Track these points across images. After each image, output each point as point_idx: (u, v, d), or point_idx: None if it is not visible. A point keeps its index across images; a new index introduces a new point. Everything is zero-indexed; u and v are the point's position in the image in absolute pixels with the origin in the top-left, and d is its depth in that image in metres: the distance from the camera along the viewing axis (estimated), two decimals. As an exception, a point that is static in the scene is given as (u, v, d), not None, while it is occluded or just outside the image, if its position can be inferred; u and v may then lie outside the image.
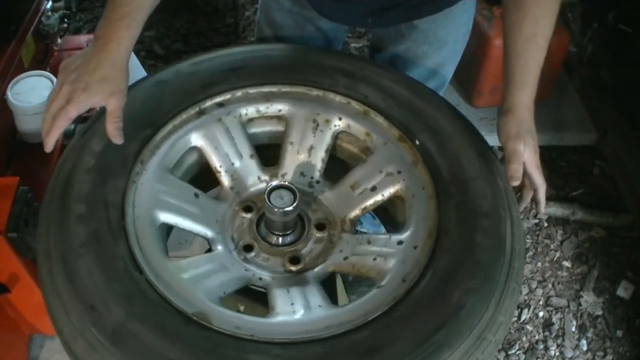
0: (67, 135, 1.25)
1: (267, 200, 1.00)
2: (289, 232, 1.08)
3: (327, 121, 1.14)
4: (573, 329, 1.90)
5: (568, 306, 1.96)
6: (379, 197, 1.08)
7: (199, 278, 0.98)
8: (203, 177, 1.15)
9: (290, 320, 0.92)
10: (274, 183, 1.03)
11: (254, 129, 1.18)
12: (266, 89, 1.16)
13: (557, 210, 2.15)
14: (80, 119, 1.06)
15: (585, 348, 1.86)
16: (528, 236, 2.12)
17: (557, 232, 2.14)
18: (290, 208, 1.00)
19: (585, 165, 2.35)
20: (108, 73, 0.98)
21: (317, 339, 0.85)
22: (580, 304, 1.96)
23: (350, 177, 1.11)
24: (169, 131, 1.10)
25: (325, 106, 1.15)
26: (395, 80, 1.18)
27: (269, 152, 1.18)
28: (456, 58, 1.42)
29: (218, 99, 1.14)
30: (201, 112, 1.13)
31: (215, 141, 1.12)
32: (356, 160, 1.16)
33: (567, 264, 2.06)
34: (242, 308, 1.09)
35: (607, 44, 2.37)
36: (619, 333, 1.89)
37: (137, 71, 1.96)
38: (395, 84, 1.16)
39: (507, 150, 1.04)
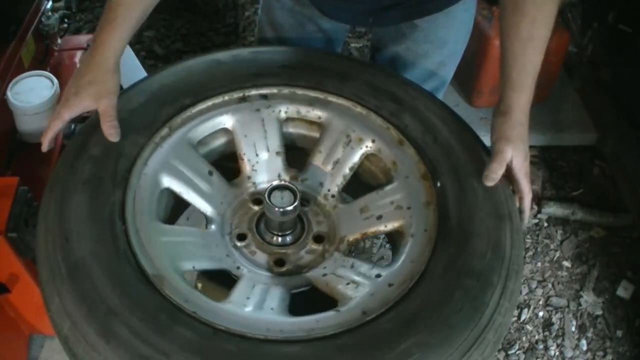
0: (67, 135, 1.25)
1: (267, 199, 1.00)
2: (286, 233, 1.08)
3: (360, 140, 1.14)
4: (573, 329, 1.90)
5: (568, 306, 1.96)
6: (381, 227, 1.07)
7: (175, 245, 1.00)
8: (223, 163, 1.17)
9: (235, 310, 0.92)
10: (275, 182, 1.03)
11: (289, 129, 1.20)
12: (313, 93, 1.17)
13: (557, 210, 2.15)
14: (80, 119, 1.08)
15: (585, 348, 1.86)
16: (528, 236, 2.12)
17: (557, 232, 2.14)
18: (290, 208, 1.00)
19: (585, 165, 2.35)
20: (95, 76, 1.03)
21: (234, 334, 0.84)
22: (580, 304, 1.96)
23: (362, 200, 1.11)
24: (207, 107, 1.14)
25: (364, 125, 1.14)
26: (442, 118, 1.14)
27: (295, 154, 1.19)
28: (457, 58, 1.42)
29: (263, 91, 1.17)
30: (243, 99, 1.16)
31: (247, 129, 1.15)
32: (375, 182, 1.15)
33: (567, 264, 2.06)
34: (199, 286, 1.09)
35: (607, 44, 2.37)
36: (619, 333, 1.89)
37: (137, 71, 1.96)
38: (441, 122, 1.13)
39: (493, 150, 1.04)
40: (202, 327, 0.84)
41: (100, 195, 0.98)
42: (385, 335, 0.85)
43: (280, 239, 1.08)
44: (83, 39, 2.09)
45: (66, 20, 2.06)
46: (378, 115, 1.13)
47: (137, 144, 1.06)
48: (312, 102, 1.17)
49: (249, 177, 1.15)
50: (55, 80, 1.65)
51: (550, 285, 2.00)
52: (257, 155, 1.15)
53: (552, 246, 2.11)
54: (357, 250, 1.62)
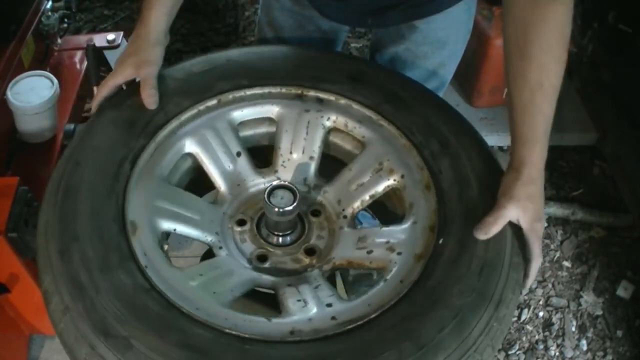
0: (67, 135, 1.26)
1: (266, 199, 1.00)
2: (281, 234, 1.07)
3: (391, 172, 1.08)
4: (573, 329, 1.90)
5: (568, 306, 1.96)
6: (366, 262, 1.02)
7: (167, 203, 1.04)
8: (257, 153, 1.18)
9: (182, 280, 0.94)
10: (276, 182, 1.03)
11: (330, 137, 1.17)
12: (368, 112, 1.14)
13: (557, 210, 2.15)
14: (81, 120, 1.09)
15: (585, 348, 1.86)
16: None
17: (557, 232, 2.14)
18: (288, 208, 1.00)
19: (585, 165, 2.35)
20: (138, 48, 1.10)
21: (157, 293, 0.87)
22: (580, 304, 1.96)
23: (365, 230, 1.08)
24: (262, 93, 1.16)
25: (401, 158, 1.08)
26: (478, 174, 1.04)
27: (328, 163, 1.18)
28: (456, 58, 1.42)
29: (321, 95, 1.16)
30: (299, 96, 1.16)
31: (291, 125, 1.15)
32: (390, 214, 1.13)
33: (567, 264, 2.06)
34: (166, 247, 1.06)
35: (607, 44, 2.37)
36: (619, 333, 1.89)
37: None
38: (475, 179, 1.03)
39: (495, 204, 0.95)
40: (139, 280, 0.88)
41: (125, 136, 1.04)
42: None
43: (274, 237, 1.07)
44: (83, 39, 2.09)
45: (66, 20, 2.06)
46: (419, 153, 1.07)
47: (180, 105, 1.11)
48: (362, 120, 1.13)
49: (275, 171, 1.15)
50: (55, 80, 1.65)
51: (550, 285, 2.00)
52: (290, 153, 1.15)
53: (552, 246, 2.11)
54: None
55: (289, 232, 1.07)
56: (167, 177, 1.08)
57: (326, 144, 1.17)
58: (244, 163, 1.14)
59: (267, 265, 1.05)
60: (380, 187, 1.09)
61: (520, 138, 0.96)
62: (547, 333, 1.89)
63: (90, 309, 0.83)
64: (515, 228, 0.96)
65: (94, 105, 1.12)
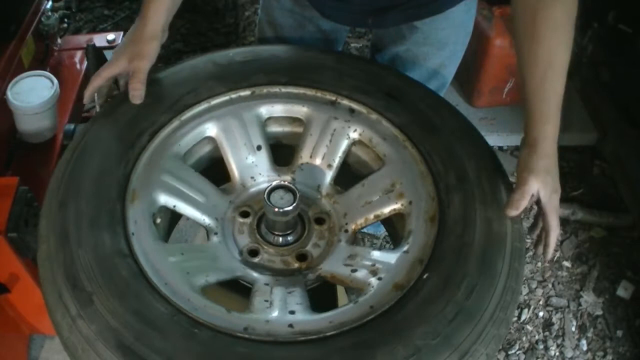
0: (67, 135, 1.26)
1: (266, 199, 1.00)
2: (286, 234, 1.07)
3: (400, 196, 1.06)
4: (573, 329, 1.90)
5: (568, 306, 1.96)
6: (348, 282, 1.01)
7: (173, 179, 1.06)
8: (277, 151, 1.19)
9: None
10: (275, 183, 1.03)
11: (353, 150, 1.15)
12: (396, 132, 1.10)
13: (557, 210, 2.15)
14: (80, 120, 1.09)
15: (585, 348, 1.86)
16: (528, 236, 2.12)
17: (557, 232, 2.14)
18: (289, 208, 1.00)
19: (585, 165, 2.35)
20: (134, 39, 1.10)
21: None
22: (580, 304, 1.96)
23: (356, 249, 1.06)
24: (296, 93, 1.16)
25: (414, 184, 1.06)
26: (486, 219, 1.00)
27: (346, 172, 1.17)
28: (457, 59, 1.42)
29: (354, 106, 1.14)
30: (332, 103, 1.15)
31: (317, 130, 1.14)
32: (389, 237, 1.13)
33: (567, 264, 2.06)
34: (158, 220, 1.07)
35: (607, 44, 2.37)
36: (619, 333, 1.89)
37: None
38: (482, 222, 0.99)
39: (517, 181, 0.99)
40: (121, 245, 0.93)
41: (151, 110, 1.09)
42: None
43: (271, 236, 1.08)
44: (83, 39, 2.09)
45: (66, 20, 2.06)
46: (434, 182, 1.03)
47: (213, 90, 1.14)
48: (387, 138, 1.11)
49: (292, 172, 1.16)
50: (55, 80, 1.65)
51: (550, 285, 2.00)
52: (310, 157, 1.15)
53: (552, 246, 2.10)
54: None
55: (286, 233, 1.07)
56: (184, 156, 1.10)
57: (347, 154, 1.15)
58: (263, 157, 1.15)
59: (255, 260, 1.05)
60: (387, 209, 1.07)
61: (533, 115, 1.01)
62: (547, 333, 1.89)
63: (68, 260, 0.89)
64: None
65: (86, 95, 1.11)
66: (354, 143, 1.14)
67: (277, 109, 1.16)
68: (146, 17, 1.11)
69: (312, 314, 0.92)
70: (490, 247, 0.94)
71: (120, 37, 1.97)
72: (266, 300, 0.94)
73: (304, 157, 1.15)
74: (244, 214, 1.11)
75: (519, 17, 1.01)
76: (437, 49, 1.35)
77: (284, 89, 1.16)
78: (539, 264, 2.06)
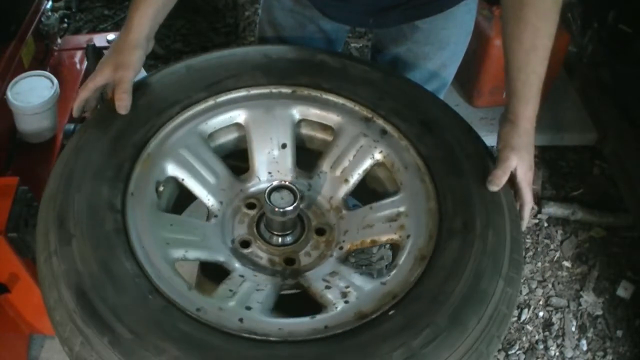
0: (67, 135, 1.26)
1: (266, 200, 1.00)
2: (285, 233, 1.08)
3: (401, 228, 1.04)
4: (573, 329, 1.90)
5: (568, 306, 1.96)
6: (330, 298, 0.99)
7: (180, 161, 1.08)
8: (303, 154, 1.19)
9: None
10: (275, 183, 1.03)
11: (374, 168, 1.14)
12: (420, 162, 1.08)
13: (557, 210, 2.15)
14: (80, 120, 1.10)
15: (585, 348, 1.86)
16: (528, 236, 2.12)
17: (557, 232, 2.14)
18: (289, 208, 1.00)
19: (585, 165, 2.35)
20: (118, 50, 1.10)
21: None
22: (580, 304, 1.96)
23: (336, 266, 1.04)
24: (332, 100, 1.15)
25: (418, 220, 1.03)
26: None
27: (363, 186, 1.16)
28: (458, 59, 1.42)
29: (388, 128, 1.12)
30: (367, 119, 1.13)
31: (345, 142, 1.13)
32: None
33: (567, 264, 2.06)
34: (161, 189, 1.08)
35: (607, 44, 2.37)
36: (619, 333, 1.89)
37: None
38: (471, 273, 0.96)
39: (498, 156, 1.04)
40: (115, 200, 0.97)
41: (183, 92, 1.12)
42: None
43: (267, 233, 1.08)
44: (83, 39, 2.09)
45: (66, 20, 2.06)
46: (439, 223, 0.99)
47: (255, 79, 1.15)
48: (409, 166, 1.08)
49: (310, 177, 1.14)
50: (55, 80, 1.65)
51: (550, 285, 2.00)
52: (331, 167, 1.14)
53: (552, 246, 2.11)
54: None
55: (282, 233, 1.07)
56: (208, 136, 1.13)
57: (367, 173, 1.13)
58: (286, 156, 1.15)
59: (244, 252, 1.06)
60: (384, 238, 1.05)
61: (515, 95, 1.05)
62: (547, 333, 1.89)
63: (64, 202, 0.94)
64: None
65: (75, 108, 1.11)
66: (377, 164, 1.12)
67: (311, 113, 1.16)
68: (130, 26, 1.10)
69: (267, 316, 0.91)
70: (470, 303, 0.89)
71: (120, 37, 1.97)
72: (231, 290, 0.95)
73: (325, 166, 1.14)
74: (250, 206, 1.11)
75: (507, 1, 1.04)
76: (438, 49, 1.35)
77: (324, 95, 1.16)
78: (539, 264, 2.06)
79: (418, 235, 1.00)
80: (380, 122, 1.13)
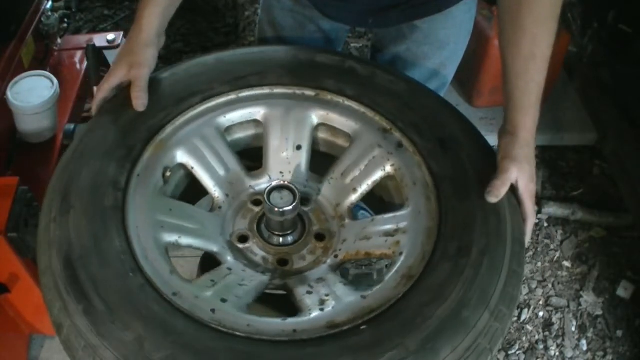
0: (67, 135, 1.26)
1: (266, 200, 1.00)
2: (286, 234, 1.07)
3: (396, 244, 1.02)
4: (573, 329, 1.90)
5: (568, 306, 1.96)
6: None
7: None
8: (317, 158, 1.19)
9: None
10: (275, 183, 1.03)
11: (383, 179, 1.12)
12: (430, 180, 1.06)
13: (557, 210, 2.15)
14: (81, 119, 1.10)
15: (585, 348, 1.86)
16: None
17: (557, 232, 2.14)
18: (288, 208, 1.00)
19: (585, 165, 2.35)
20: (131, 48, 1.11)
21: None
22: (580, 304, 1.96)
23: (319, 272, 1.03)
24: (354, 110, 1.14)
25: (417, 239, 1.01)
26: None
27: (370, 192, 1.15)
28: (457, 59, 1.42)
29: (405, 142, 1.10)
30: (385, 131, 1.12)
31: (356, 152, 1.12)
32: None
33: (567, 264, 2.06)
34: (168, 174, 1.09)
35: (607, 44, 2.37)
36: (619, 333, 1.89)
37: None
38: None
39: (498, 168, 1.00)
40: (118, 177, 1.00)
41: (213, 78, 1.14)
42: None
43: (266, 231, 1.08)
44: (83, 39, 2.09)
45: (66, 20, 2.07)
46: (435, 244, 0.96)
47: (280, 79, 1.16)
48: (418, 182, 1.06)
49: (320, 182, 1.14)
50: (55, 80, 1.65)
51: (550, 285, 2.00)
52: (341, 175, 1.12)
53: (552, 246, 2.11)
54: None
55: (280, 234, 1.07)
56: (225, 130, 1.14)
57: (376, 184, 1.11)
58: (299, 158, 1.15)
59: (240, 246, 1.06)
60: (378, 252, 1.03)
61: (514, 105, 1.03)
62: (547, 333, 1.89)
63: (71, 175, 0.98)
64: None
65: (94, 107, 1.12)
66: (387, 177, 1.11)
67: (331, 118, 1.15)
68: (141, 24, 1.11)
69: (240, 311, 0.91)
70: (446, 331, 0.85)
71: (120, 37, 1.97)
72: (212, 280, 0.96)
73: (337, 172, 1.13)
74: (257, 202, 1.11)
75: (504, 7, 1.02)
76: (438, 49, 1.35)
77: (347, 102, 1.15)
78: (539, 264, 2.06)
79: (411, 254, 0.97)
80: (397, 134, 1.11)
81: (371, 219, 1.08)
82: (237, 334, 0.85)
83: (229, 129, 1.15)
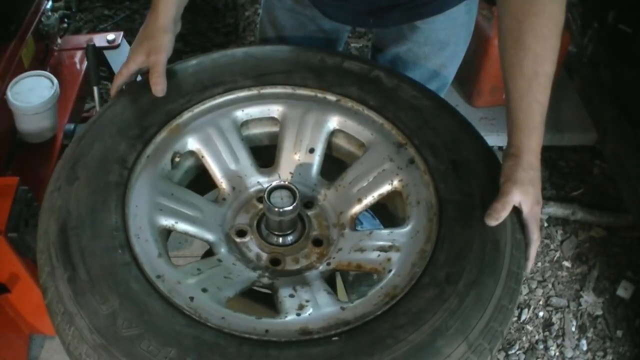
0: (67, 135, 1.26)
1: (266, 199, 1.00)
2: (285, 232, 1.07)
3: (388, 261, 1.01)
4: (573, 329, 1.90)
5: (568, 306, 1.96)
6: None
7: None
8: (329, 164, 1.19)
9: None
10: (275, 183, 1.03)
11: (388, 195, 1.11)
12: (435, 201, 1.04)
13: (557, 210, 2.15)
14: (81, 119, 1.10)
15: (585, 348, 1.86)
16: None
17: (557, 232, 2.14)
18: (288, 208, 1.00)
19: (585, 165, 2.35)
20: (147, 35, 1.12)
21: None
22: (580, 304, 1.96)
23: (314, 282, 1.02)
24: (372, 121, 1.14)
25: (409, 261, 0.99)
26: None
27: (385, 206, 1.15)
28: (458, 59, 1.42)
29: (417, 159, 1.08)
30: (399, 145, 1.10)
31: (368, 163, 1.11)
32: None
33: (567, 264, 2.06)
34: (177, 159, 1.11)
35: (607, 44, 2.37)
36: (619, 333, 1.89)
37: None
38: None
39: (500, 190, 0.97)
40: (126, 158, 1.02)
41: (238, 72, 1.16)
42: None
43: (265, 230, 1.08)
44: (83, 39, 2.09)
45: (66, 20, 2.07)
46: (426, 268, 0.95)
47: (305, 81, 1.16)
48: (421, 203, 1.05)
49: (328, 187, 1.13)
50: (55, 80, 1.65)
51: (550, 285, 2.00)
52: (349, 183, 1.11)
53: (552, 246, 2.11)
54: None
55: (279, 233, 1.07)
56: (241, 124, 1.15)
57: (381, 197, 1.10)
58: (312, 161, 1.14)
59: (236, 239, 1.06)
60: (368, 266, 1.02)
61: (517, 125, 0.99)
62: (547, 333, 1.89)
63: (84, 146, 1.01)
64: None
65: (112, 92, 1.14)
66: (393, 192, 1.09)
67: (348, 125, 1.15)
68: (157, 9, 1.12)
69: (218, 303, 0.92)
70: (416, 357, 0.83)
71: (120, 37, 1.97)
72: (199, 269, 0.97)
73: (345, 180, 1.12)
74: (261, 200, 1.09)
75: (505, 25, 1.01)
76: (438, 49, 1.35)
77: (366, 111, 1.14)
78: (539, 264, 2.06)
79: (399, 273, 0.96)
80: (411, 150, 1.09)
81: (369, 231, 1.07)
82: (208, 324, 0.86)
83: (245, 124, 1.16)
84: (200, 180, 1.15)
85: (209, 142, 1.10)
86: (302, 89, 1.16)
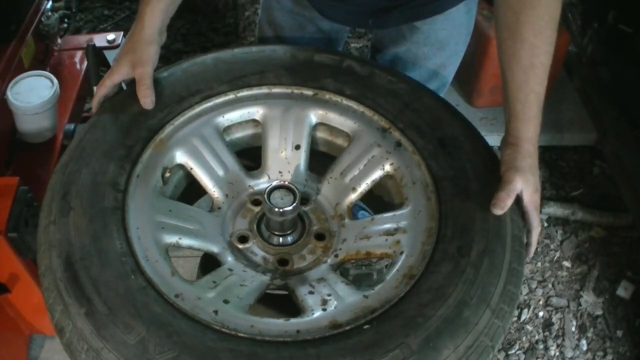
0: (67, 135, 1.26)
1: (266, 200, 1.00)
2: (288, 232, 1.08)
3: (397, 243, 1.02)
4: (573, 329, 1.90)
5: (568, 306, 1.96)
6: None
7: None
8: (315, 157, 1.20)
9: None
10: (275, 183, 1.03)
11: (382, 178, 1.13)
12: (429, 180, 1.05)
13: (557, 210, 2.15)
14: (81, 119, 1.10)
15: (585, 348, 1.86)
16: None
17: (557, 232, 2.14)
18: (288, 208, 1.00)
19: (585, 165, 2.35)
20: (133, 46, 1.11)
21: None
22: (580, 304, 1.96)
23: (326, 276, 1.03)
24: (353, 110, 1.14)
25: (418, 240, 1.01)
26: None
27: (369, 191, 1.15)
28: (457, 59, 1.42)
29: (403, 141, 1.10)
30: (384, 130, 1.12)
31: (355, 151, 1.12)
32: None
33: (567, 264, 2.06)
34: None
35: (607, 44, 2.37)
36: (619, 333, 1.89)
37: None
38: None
39: (502, 179, 0.99)
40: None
41: (212, 78, 1.15)
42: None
43: (266, 231, 1.07)
44: (83, 39, 2.09)
45: (66, 20, 2.06)
46: (435, 245, 0.97)
47: (279, 78, 1.16)
48: (417, 183, 1.06)
49: (320, 182, 1.14)
50: (55, 80, 1.65)
51: (550, 285, 2.00)
52: (340, 174, 1.12)
53: (552, 246, 2.11)
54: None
55: (280, 233, 1.07)
56: (223, 130, 1.14)
57: (375, 183, 1.12)
58: (298, 158, 1.15)
59: (240, 246, 1.05)
60: (378, 251, 1.02)
61: (515, 115, 1.02)
62: (547, 333, 1.89)
63: (71, 176, 0.98)
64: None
65: (94, 104, 1.12)
66: (386, 176, 1.11)
67: (330, 117, 1.15)
68: (142, 21, 1.11)
69: (242, 312, 0.91)
70: (448, 329, 0.85)
71: (120, 37, 1.97)
72: (214, 282, 0.96)
73: (335, 170, 1.13)
74: (256, 202, 1.11)
75: (502, 17, 1.02)
76: (438, 49, 1.35)
77: (345, 101, 1.15)
78: (539, 264, 2.06)
79: (411, 253, 0.98)
80: (396, 134, 1.11)
81: (371, 218, 1.08)
82: (240, 335, 0.85)
83: (227, 129, 1.15)
84: (189, 190, 1.14)
85: (195, 153, 1.09)
86: (277, 87, 1.16)
